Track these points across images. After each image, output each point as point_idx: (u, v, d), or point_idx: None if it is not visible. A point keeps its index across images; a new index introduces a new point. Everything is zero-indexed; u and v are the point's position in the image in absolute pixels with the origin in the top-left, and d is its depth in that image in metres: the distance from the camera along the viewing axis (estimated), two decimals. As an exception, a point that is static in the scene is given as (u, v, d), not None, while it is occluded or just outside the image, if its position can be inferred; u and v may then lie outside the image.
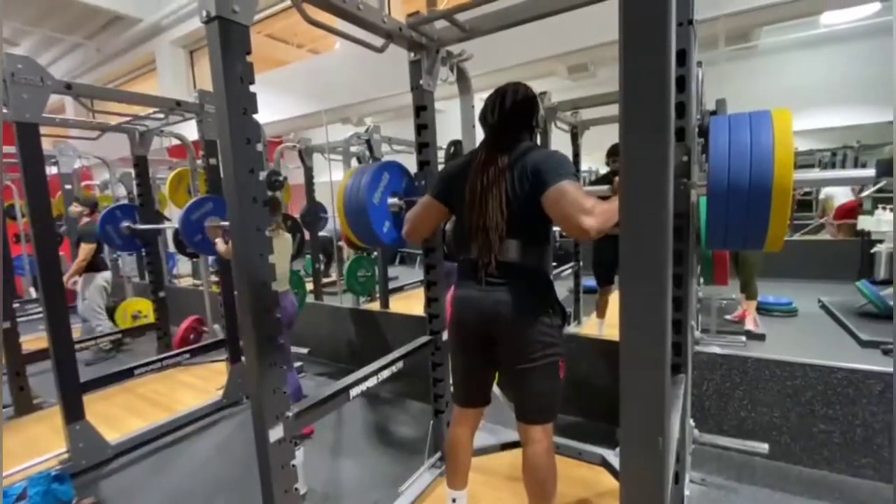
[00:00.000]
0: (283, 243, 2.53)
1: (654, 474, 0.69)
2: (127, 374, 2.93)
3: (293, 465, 1.34)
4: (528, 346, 1.40)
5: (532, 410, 1.46)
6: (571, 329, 3.61)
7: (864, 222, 5.41)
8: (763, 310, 4.09)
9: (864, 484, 1.95)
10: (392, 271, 5.91)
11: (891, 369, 1.94)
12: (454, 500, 1.65)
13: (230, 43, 1.13)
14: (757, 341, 3.47)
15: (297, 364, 3.60)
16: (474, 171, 1.45)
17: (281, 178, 3.64)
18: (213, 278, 3.88)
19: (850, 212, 5.69)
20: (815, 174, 1.52)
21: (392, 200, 1.96)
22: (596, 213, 1.22)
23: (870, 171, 1.13)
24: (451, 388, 1.78)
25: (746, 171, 1.16)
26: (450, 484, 1.66)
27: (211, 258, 3.91)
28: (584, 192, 1.27)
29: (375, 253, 4.47)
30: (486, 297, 1.43)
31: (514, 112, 1.45)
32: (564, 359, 1.46)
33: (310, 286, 4.68)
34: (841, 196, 5.85)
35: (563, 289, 4.49)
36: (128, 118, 3.42)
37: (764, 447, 1.90)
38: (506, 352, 1.45)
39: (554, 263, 3.75)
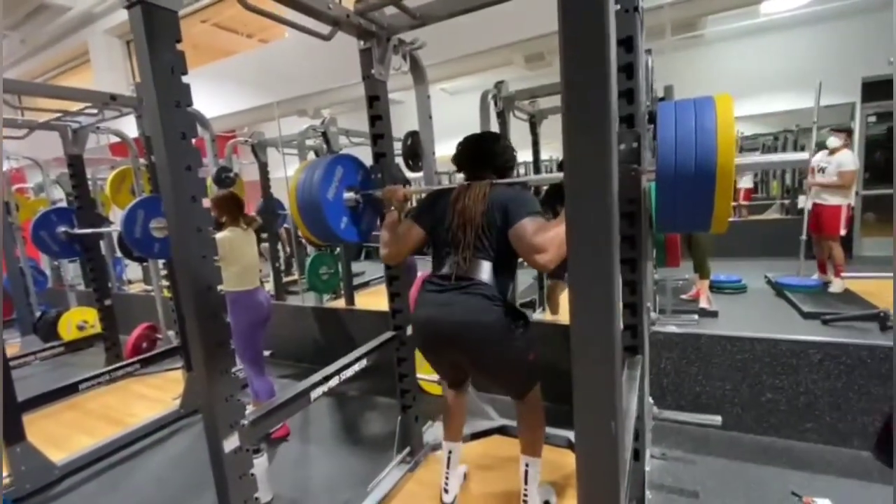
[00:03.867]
0: (249, 240, 2.45)
1: (608, 457, 0.70)
2: (71, 389, 2.74)
3: (252, 475, 1.28)
4: (497, 360, 1.54)
5: (515, 393, 1.66)
6: (536, 316, 3.66)
7: (802, 202, 5.75)
8: (715, 288, 4.29)
9: (810, 448, 2.08)
10: (357, 266, 5.81)
11: (829, 339, 2.08)
12: (450, 451, 1.84)
13: (155, 30, 1.04)
14: (710, 318, 3.64)
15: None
16: (457, 203, 1.58)
17: (232, 175, 3.50)
18: (165, 283, 3.69)
19: (749, 195, 6.49)
20: (756, 158, 1.61)
21: (348, 195, 1.89)
22: (549, 248, 1.36)
23: (804, 155, 1.19)
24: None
25: (692, 155, 1.19)
26: (446, 437, 1.86)
27: (161, 262, 3.70)
28: (541, 227, 1.41)
29: (338, 249, 4.37)
30: (448, 316, 1.51)
31: (489, 154, 1.66)
32: (534, 351, 1.60)
33: (270, 286, 4.54)
34: (747, 181, 6.54)
35: (528, 277, 4.55)
36: (59, 115, 3.16)
37: (717, 419, 2.00)
38: (476, 367, 1.61)
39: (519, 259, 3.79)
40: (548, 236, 1.37)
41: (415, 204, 1.94)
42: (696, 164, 1.19)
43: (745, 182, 6.47)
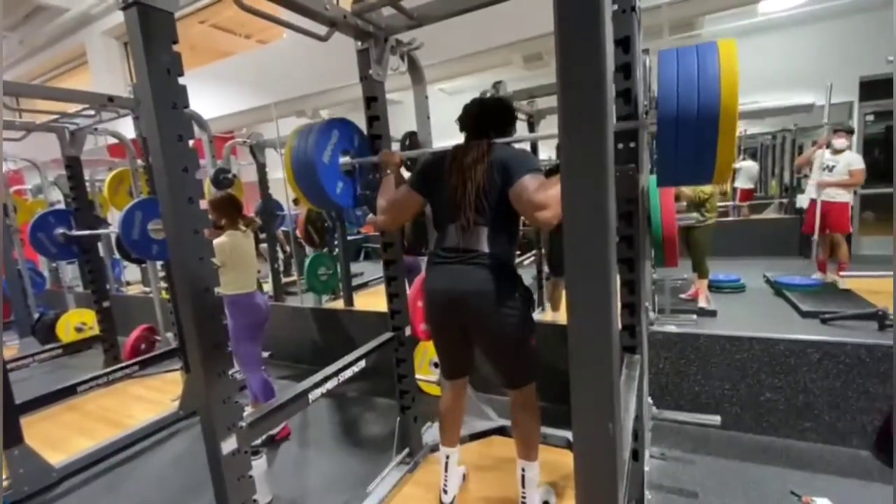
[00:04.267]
0: (249, 243, 2.44)
1: (606, 458, 0.70)
2: (69, 391, 2.73)
3: (250, 477, 1.28)
4: (498, 329, 1.52)
5: (514, 378, 1.63)
6: (535, 316, 3.66)
7: (801, 201, 5.76)
8: (714, 287, 4.29)
9: (809, 447, 2.08)
10: (356, 267, 5.80)
11: (828, 338, 2.08)
12: (447, 457, 1.81)
13: (152, 31, 1.04)
14: (709, 318, 3.64)
15: (259, 368, 3.49)
16: (454, 163, 1.56)
17: (230, 176, 3.49)
18: (163, 284, 3.68)
19: (748, 195, 6.44)
20: (759, 105, 1.59)
21: (344, 160, 1.87)
22: (550, 204, 1.33)
23: (809, 99, 1.28)
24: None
25: (694, 98, 1.17)
26: (443, 442, 1.82)
27: (160, 263, 3.70)
28: (542, 184, 1.37)
29: (337, 249, 4.36)
30: (455, 284, 1.53)
31: (489, 113, 1.64)
32: (534, 335, 1.59)
33: (269, 287, 4.53)
34: (746, 182, 6.51)
35: (526, 276, 4.55)
36: (56, 116, 3.16)
37: (716, 419, 1.99)
38: (478, 334, 1.60)
39: (517, 251, 3.78)
40: (549, 193, 1.34)
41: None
42: (698, 107, 1.16)
43: (744, 182, 6.46)
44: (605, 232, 0.59)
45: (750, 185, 6.51)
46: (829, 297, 3.77)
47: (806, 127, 6.86)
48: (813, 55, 5.47)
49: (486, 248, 1.51)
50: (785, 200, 6.54)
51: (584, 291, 0.61)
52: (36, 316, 4.51)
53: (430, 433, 2.31)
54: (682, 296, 4.12)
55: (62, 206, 4.60)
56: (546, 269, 3.94)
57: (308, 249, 4.97)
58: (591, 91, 0.58)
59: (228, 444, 1.21)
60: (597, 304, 0.61)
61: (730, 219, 6.48)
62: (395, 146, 2.18)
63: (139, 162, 3.42)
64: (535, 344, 1.60)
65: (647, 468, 1.74)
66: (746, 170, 6.45)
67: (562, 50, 0.59)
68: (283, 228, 5.52)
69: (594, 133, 0.58)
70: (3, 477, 2.19)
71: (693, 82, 1.18)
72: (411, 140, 2.23)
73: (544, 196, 1.35)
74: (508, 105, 1.71)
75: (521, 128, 3.50)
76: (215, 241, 2.27)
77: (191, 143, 1.14)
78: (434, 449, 2.18)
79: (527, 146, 3.13)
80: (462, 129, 1.69)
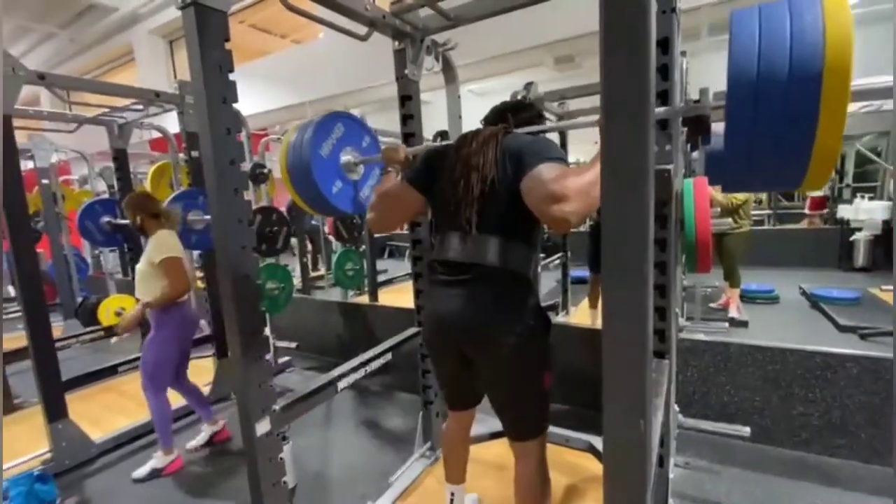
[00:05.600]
0: (177, 242, 2.26)
1: (636, 456, 0.70)
2: (110, 371, 2.88)
3: (281, 459, 1.33)
4: (504, 365, 1.24)
5: (517, 428, 1.33)
6: (560, 319, 3.64)
7: (843, 211, 5.54)
8: (746, 297, 4.17)
9: (841, 464, 2.01)
10: (381, 265, 5.89)
11: (867, 353, 2.00)
12: (452, 494, 1.63)
13: (207, 30, 1.10)
14: (740, 328, 3.54)
15: (286, 359, 3.58)
16: (460, 151, 1.28)
17: (265, 171, 3.60)
18: (199, 273, 3.82)
19: (821, 203, 5.90)
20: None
21: (346, 157, 1.68)
22: (572, 197, 1.01)
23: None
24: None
25: (784, 56, 0.83)
26: (447, 479, 1.65)
27: (196, 253, 3.84)
28: (563, 173, 1.06)
29: (364, 246, 4.44)
30: (454, 310, 1.25)
31: (512, 107, 1.44)
32: (551, 371, 1.30)
33: (297, 281, 4.65)
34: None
35: (550, 280, 4.52)
36: (106, 110, 3.33)
37: (746, 430, 1.95)
38: (481, 367, 1.31)
39: (542, 255, 3.77)
40: (571, 182, 1.02)
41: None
42: (791, 63, 0.82)
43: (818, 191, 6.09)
44: (644, 231, 0.60)
45: (823, 192, 6.04)
46: (870, 312, 3.62)
47: (848, 135, 6.59)
48: (859, 57, 5.24)
49: (495, 261, 1.21)
50: (825, 211, 6.29)
51: (621, 286, 0.62)
52: (79, 300, 4.75)
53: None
54: (713, 305, 4.02)
55: (106, 196, 4.84)
56: (573, 272, 3.91)
57: (336, 245, 5.08)
58: (635, 91, 0.59)
59: (262, 426, 1.26)
60: (634, 297, 0.62)
61: (767, 227, 6.25)
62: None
63: (181, 156, 3.57)
64: (550, 385, 1.29)
65: (672, 475, 1.72)
66: None
67: (607, 49, 0.60)
68: (312, 222, 5.64)
69: (636, 132, 0.60)
70: (46, 449, 2.33)
71: (782, 31, 0.84)
72: (442, 139, 2.26)
73: (562, 186, 1.02)
74: (536, 107, 1.51)
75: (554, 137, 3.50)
76: (157, 241, 2.18)
77: (237, 136, 1.20)
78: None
79: (555, 139, 2.90)
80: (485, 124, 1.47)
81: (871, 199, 5.42)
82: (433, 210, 1.38)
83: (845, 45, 0.80)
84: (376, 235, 5.05)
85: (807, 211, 6.15)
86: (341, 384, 1.62)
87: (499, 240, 1.21)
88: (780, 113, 0.84)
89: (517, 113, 1.41)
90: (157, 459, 2.27)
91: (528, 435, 1.32)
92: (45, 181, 4.10)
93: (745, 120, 0.88)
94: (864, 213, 5.20)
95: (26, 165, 4.21)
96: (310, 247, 6.17)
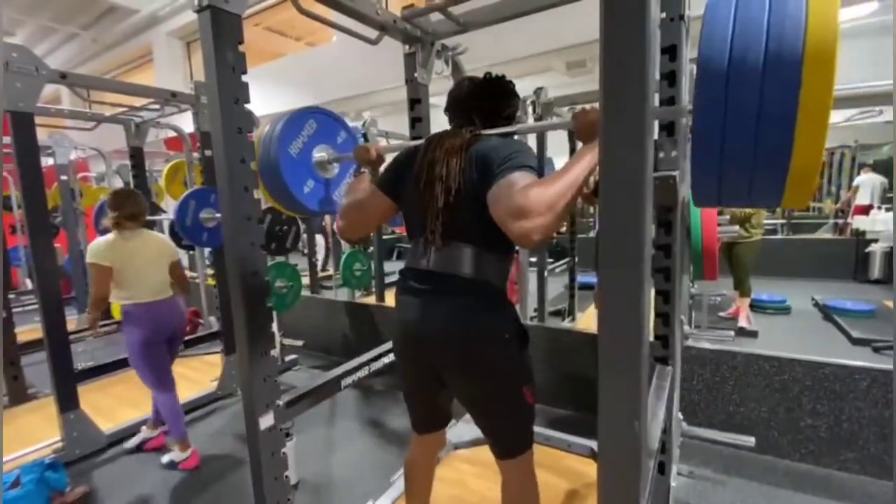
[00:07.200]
0: (136, 246, 2.20)
1: (630, 456, 0.71)
2: (122, 363, 2.94)
3: (283, 454, 1.35)
4: (479, 381, 1.17)
5: (500, 446, 1.26)
6: (565, 324, 3.63)
7: (859, 222, 5.44)
8: (756, 307, 4.12)
9: (849, 478, 1.98)
10: (389, 266, 5.91)
11: (878, 365, 1.97)
12: None
13: (222, 32, 1.13)
14: (749, 338, 3.50)
15: (292, 357, 3.62)
16: (425, 157, 1.19)
17: (277, 171, 3.64)
18: (210, 271, 3.89)
19: (864, 213, 5.69)
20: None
21: (319, 155, 1.62)
22: (536, 212, 0.90)
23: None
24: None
25: (760, 38, 0.71)
26: None
27: (207, 250, 3.91)
28: (528, 184, 0.95)
29: (371, 247, 4.47)
30: (423, 321, 1.18)
31: (476, 94, 1.26)
32: (530, 386, 1.20)
33: (306, 280, 4.69)
34: (865, 197, 5.77)
35: (558, 285, 4.51)
36: (124, 109, 3.41)
37: (751, 440, 1.93)
38: (455, 386, 1.24)
39: (550, 259, 3.76)
40: (536, 194, 0.91)
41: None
42: (767, 44, 0.70)
43: (863, 198, 5.78)
44: (640, 234, 0.61)
45: (867, 201, 5.76)
46: (884, 325, 3.55)
47: (867, 144, 6.49)
48: (877, 68, 5.17)
49: (466, 272, 1.14)
50: (840, 221, 6.19)
51: (616, 285, 0.63)
52: (93, 294, 4.85)
53: (454, 431, 2.34)
54: (722, 314, 3.98)
55: (122, 193, 4.93)
56: (580, 277, 3.90)
57: (344, 245, 5.12)
58: (633, 98, 0.60)
59: (266, 420, 1.29)
60: (628, 299, 0.63)
61: (779, 237, 6.15)
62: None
63: (195, 154, 3.64)
64: (532, 401, 1.20)
65: (673, 483, 1.71)
66: (866, 184, 5.77)
67: (606, 56, 0.61)
68: (323, 223, 5.70)
69: (633, 139, 0.61)
70: (58, 439, 2.38)
71: (759, 18, 0.73)
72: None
73: (526, 199, 0.91)
74: (506, 85, 1.28)
75: (560, 135, 3.49)
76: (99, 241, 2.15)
77: (248, 136, 1.23)
78: (458, 446, 2.20)
79: (532, 141, 2.55)
80: (446, 111, 1.32)
81: (892, 209, 5.28)
82: (404, 216, 1.30)
83: (829, 32, 0.70)
84: (383, 237, 5.08)
85: (850, 220, 5.83)
86: (345, 381, 1.64)
87: (470, 249, 1.14)
88: (752, 107, 0.73)
89: (483, 104, 1.25)
90: (174, 453, 2.31)
91: (513, 452, 1.24)
92: (63, 177, 4.21)
93: (714, 115, 0.79)
94: (881, 224, 5.12)
95: (46, 162, 4.33)
96: (321, 243, 6.22)
